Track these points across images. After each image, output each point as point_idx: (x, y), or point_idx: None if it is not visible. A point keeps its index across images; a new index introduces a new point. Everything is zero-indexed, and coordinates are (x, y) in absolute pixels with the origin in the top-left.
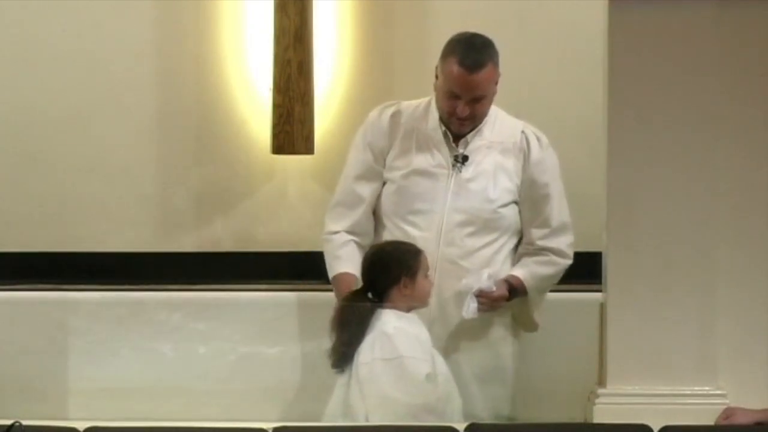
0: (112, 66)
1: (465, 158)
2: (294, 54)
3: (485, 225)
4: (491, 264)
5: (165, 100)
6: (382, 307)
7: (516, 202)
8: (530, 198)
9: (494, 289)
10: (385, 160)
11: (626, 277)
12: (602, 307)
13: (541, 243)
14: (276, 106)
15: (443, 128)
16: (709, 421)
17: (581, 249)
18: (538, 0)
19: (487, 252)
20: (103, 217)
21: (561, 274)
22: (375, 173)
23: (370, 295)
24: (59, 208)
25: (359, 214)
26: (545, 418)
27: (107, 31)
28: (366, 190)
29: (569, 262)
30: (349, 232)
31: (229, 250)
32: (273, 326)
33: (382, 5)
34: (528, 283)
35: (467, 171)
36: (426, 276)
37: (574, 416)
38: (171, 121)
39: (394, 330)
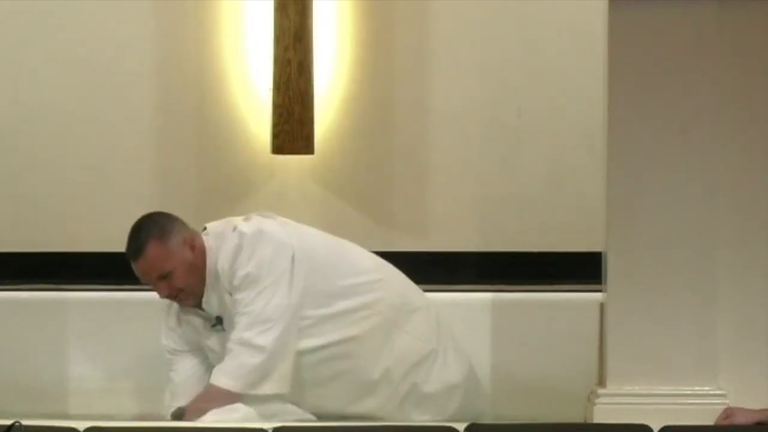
0: (112, 66)
1: (219, 319)
2: (294, 54)
3: None
4: None
5: (165, 100)
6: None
7: None
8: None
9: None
10: (184, 350)
11: (626, 277)
12: (602, 307)
13: (237, 335)
14: (276, 106)
15: (188, 309)
16: (709, 421)
17: (581, 249)
18: (538, 0)
19: None
20: (103, 217)
21: (258, 357)
22: (179, 359)
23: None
24: (59, 208)
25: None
26: (545, 418)
27: (107, 31)
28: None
29: (252, 350)
30: None
31: None
32: None
33: (382, 5)
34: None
35: (229, 327)
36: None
37: (574, 416)
38: (171, 121)
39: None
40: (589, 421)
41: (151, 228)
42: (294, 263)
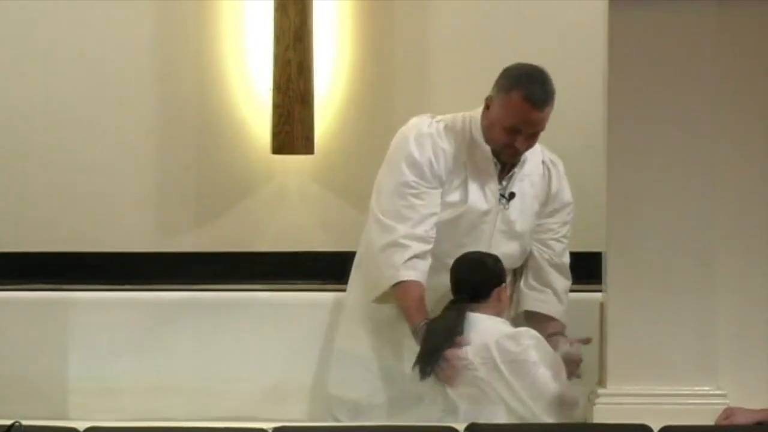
0: (112, 66)
1: (512, 195)
2: (294, 54)
3: (515, 264)
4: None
5: (165, 100)
6: (474, 312)
7: None
8: (551, 220)
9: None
10: (442, 185)
11: (626, 277)
12: (602, 307)
13: (558, 259)
14: (276, 106)
15: (494, 160)
16: (709, 421)
17: (581, 249)
18: (538, 0)
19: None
20: (103, 217)
21: None
22: (434, 194)
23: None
24: (59, 207)
25: (426, 224)
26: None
27: (107, 31)
28: (429, 206)
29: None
30: (419, 238)
31: (229, 250)
32: (272, 326)
33: (382, 5)
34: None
35: (513, 210)
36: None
37: (574, 416)
38: (171, 121)
39: (516, 333)
40: (589, 421)
41: (553, 87)
42: None
